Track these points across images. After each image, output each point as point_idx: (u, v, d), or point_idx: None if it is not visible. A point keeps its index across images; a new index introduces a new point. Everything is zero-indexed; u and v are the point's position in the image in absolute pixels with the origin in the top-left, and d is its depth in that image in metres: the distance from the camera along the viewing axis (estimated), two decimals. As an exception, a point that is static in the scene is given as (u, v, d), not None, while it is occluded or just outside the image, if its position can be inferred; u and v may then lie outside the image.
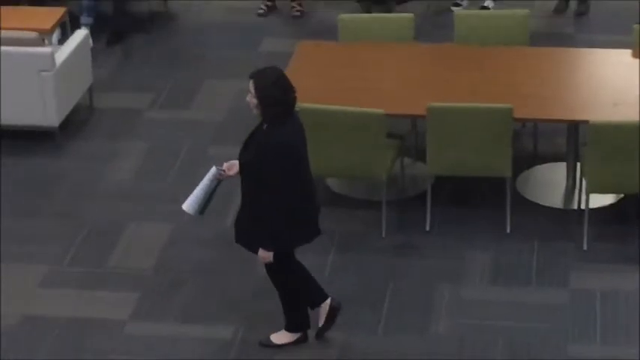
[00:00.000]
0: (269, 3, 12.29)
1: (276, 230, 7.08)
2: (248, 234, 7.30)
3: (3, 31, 10.13)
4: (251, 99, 7.00)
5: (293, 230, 7.20)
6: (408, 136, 9.32)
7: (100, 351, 7.79)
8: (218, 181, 7.37)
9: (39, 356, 7.72)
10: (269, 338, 7.72)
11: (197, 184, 7.80)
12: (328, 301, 7.66)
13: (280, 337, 7.68)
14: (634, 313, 7.96)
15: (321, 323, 7.69)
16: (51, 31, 10.54)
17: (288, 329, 7.76)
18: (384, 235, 8.84)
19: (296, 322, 7.68)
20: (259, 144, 7.06)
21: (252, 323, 7.99)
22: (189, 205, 7.38)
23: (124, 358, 7.72)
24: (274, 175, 6.95)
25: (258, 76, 7.08)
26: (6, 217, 9.20)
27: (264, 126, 7.13)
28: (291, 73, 8.95)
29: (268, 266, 7.39)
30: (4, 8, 11.21)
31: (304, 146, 7.31)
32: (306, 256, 8.28)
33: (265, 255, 7.14)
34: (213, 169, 7.34)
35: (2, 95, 9.88)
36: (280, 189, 7.00)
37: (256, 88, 7.00)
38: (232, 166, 7.29)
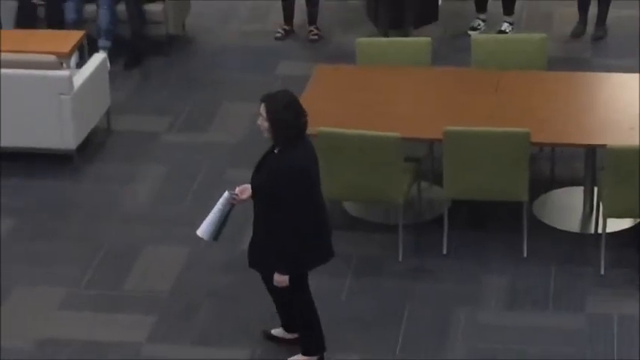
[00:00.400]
0: (286, 27, 12.34)
1: (290, 254, 7.09)
2: (262, 258, 7.32)
3: (21, 54, 10.19)
4: (262, 122, 7.03)
5: (307, 253, 7.20)
6: (424, 159, 9.34)
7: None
8: (231, 206, 7.38)
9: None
10: None
11: (213, 208, 7.86)
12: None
13: None
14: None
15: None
16: (69, 55, 10.57)
17: (305, 353, 7.75)
18: (400, 259, 8.83)
19: (312, 345, 7.66)
20: (271, 168, 7.10)
21: (267, 346, 8.00)
22: (203, 230, 7.40)
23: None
24: (287, 198, 6.97)
25: (269, 100, 7.10)
26: (24, 239, 9.25)
27: (276, 149, 7.15)
28: (309, 96, 9.06)
29: (283, 289, 7.39)
30: (22, 31, 11.30)
31: (316, 169, 7.32)
32: (323, 279, 8.38)
33: (281, 279, 7.13)
34: (226, 194, 7.36)
35: (21, 118, 9.94)
36: (293, 212, 7.01)
37: (268, 112, 7.02)
38: (245, 190, 7.31)
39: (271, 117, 7.06)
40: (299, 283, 7.39)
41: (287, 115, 7.07)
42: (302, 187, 7.02)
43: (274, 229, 7.11)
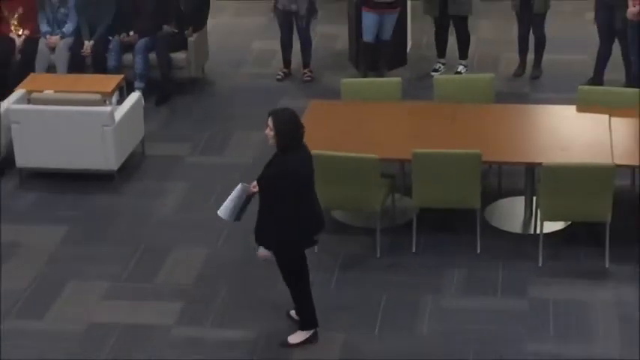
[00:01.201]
0: (285, 70, 12.33)
1: (278, 235, 7.24)
2: (262, 236, 7.42)
3: (74, 94, 10.22)
4: (269, 132, 7.20)
5: (289, 238, 7.30)
6: (397, 175, 9.32)
7: (150, 351, 7.84)
8: (248, 197, 7.55)
9: (102, 356, 7.75)
10: (287, 339, 7.77)
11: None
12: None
13: (296, 337, 7.73)
14: (581, 317, 8.03)
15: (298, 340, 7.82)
16: (111, 94, 10.57)
17: (302, 328, 7.81)
18: (378, 256, 8.85)
19: (308, 320, 7.75)
20: (272, 167, 7.34)
21: (274, 328, 8.03)
22: (222, 211, 7.62)
23: (171, 357, 7.77)
24: (277, 192, 7.16)
25: (275, 114, 7.31)
26: (76, 242, 9.28)
27: (278, 154, 7.35)
28: (309, 124, 9.04)
29: (286, 270, 7.55)
30: (74, 75, 11.32)
31: (310, 171, 7.45)
32: (318, 272, 8.43)
33: (263, 254, 7.35)
34: (240, 185, 7.59)
35: (74, 145, 9.94)
36: (280, 203, 7.16)
37: (274, 123, 7.18)
38: (256, 185, 7.55)
39: (277, 128, 7.20)
40: (295, 267, 7.54)
41: (289, 126, 7.23)
42: (291, 185, 7.13)
43: (269, 214, 7.24)
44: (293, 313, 7.98)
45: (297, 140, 7.31)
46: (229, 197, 7.64)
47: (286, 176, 7.19)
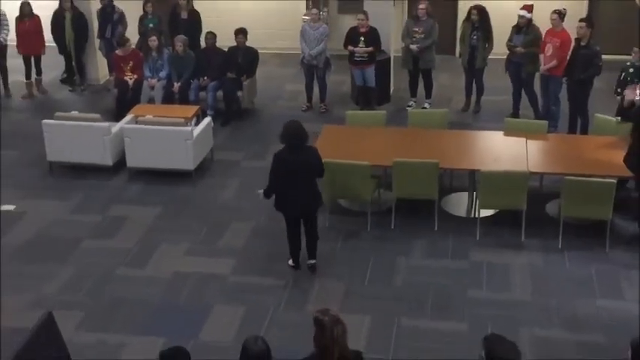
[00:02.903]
0: (308, 104, 12.27)
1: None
2: None
3: (166, 118, 10.25)
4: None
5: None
6: (382, 176, 9.29)
7: (215, 293, 7.87)
8: None
9: (182, 297, 7.80)
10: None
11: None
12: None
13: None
14: (505, 274, 8.05)
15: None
16: (191, 118, 10.61)
17: (313, 258, 8.14)
18: (368, 230, 8.82)
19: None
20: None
21: (295, 278, 8.07)
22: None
23: (229, 297, 7.79)
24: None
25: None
26: (165, 219, 9.30)
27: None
28: (320, 142, 9.13)
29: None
30: (166, 105, 11.36)
31: (293, 164, 7.64)
32: (327, 242, 8.48)
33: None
34: None
35: (165, 152, 9.95)
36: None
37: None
38: None
39: (282, 133, 7.79)
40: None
41: (289, 131, 7.77)
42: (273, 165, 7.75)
43: None
44: (308, 262, 8.15)
45: (293, 141, 7.71)
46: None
47: (274, 159, 7.76)
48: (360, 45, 11.50)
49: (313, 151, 7.92)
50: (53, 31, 12.75)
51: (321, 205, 8.24)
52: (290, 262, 8.19)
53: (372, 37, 11.56)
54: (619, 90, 9.72)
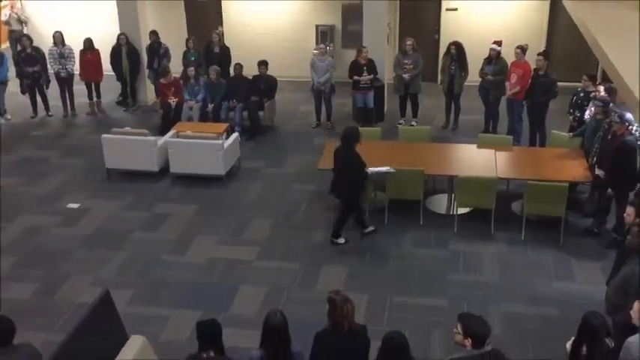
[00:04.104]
0: (317, 122, 12.19)
1: None
2: None
3: (201, 132, 10.23)
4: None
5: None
6: (377, 181, 9.28)
7: (241, 275, 7.86)
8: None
9: (214, 278, 7.80)
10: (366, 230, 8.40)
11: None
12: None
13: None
14: (478, 261, 8.02)
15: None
16: (222, 133, 10.53)
17: (364, 227, 8.38)
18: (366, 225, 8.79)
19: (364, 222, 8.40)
20: None
21: (308, 262, 8.04)
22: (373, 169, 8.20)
23: (253, 278, 7.78)
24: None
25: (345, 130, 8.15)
26: (202, 215, 9.27)
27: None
28: (329, 153, 9.06)
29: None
30: (202, 123, 11.31)
31: (339, 160, 7.95)
32: (345, 233, 8.40)
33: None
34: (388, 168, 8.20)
35: (201, 161, 9.94)
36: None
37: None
38: None
39: (344, 133, 8.03)
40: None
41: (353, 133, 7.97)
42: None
43: None
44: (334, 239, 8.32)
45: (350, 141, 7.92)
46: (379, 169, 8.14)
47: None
48: (364, 74, 11.53)
49: (355, 154, 8.06)
50: (112, 62, 12.77)
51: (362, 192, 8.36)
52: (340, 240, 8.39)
53: (372, 67, 11.61)
54: (571, 110, 9.71)
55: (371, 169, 8.11)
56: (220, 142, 10.05)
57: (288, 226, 8.86)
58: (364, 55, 11.51)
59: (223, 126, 10.96)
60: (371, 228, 8.44)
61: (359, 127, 11.33)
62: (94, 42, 12.62)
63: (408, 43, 11.65)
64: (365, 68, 11.55)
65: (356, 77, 11.62)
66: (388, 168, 8.22)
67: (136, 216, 9.23)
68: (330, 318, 4.81)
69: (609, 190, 8.10)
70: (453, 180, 8.86)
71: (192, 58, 12.48)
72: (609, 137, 8.14)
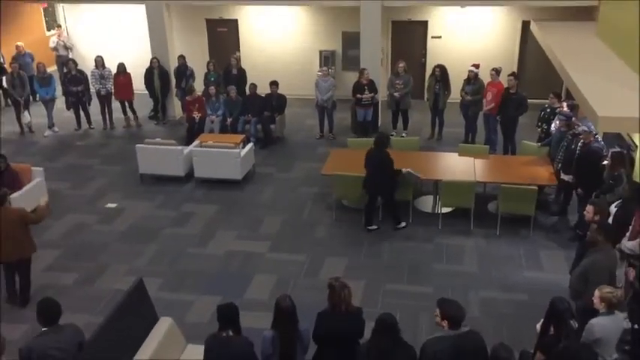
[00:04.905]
0: (321, 134, 12.13)
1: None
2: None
3: (221, 142, 10.19)
4: None
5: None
6: None
7: (255, 265, 7.84)
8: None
9: (232, 268, 7.78)
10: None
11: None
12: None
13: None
14: (459, 253, 7.98)
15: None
16: (239, 143, 10.47)
17: (398, 222, 8.41)
18: (363, 222, 8.67)
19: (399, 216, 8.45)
20: None
21: (314, 255, 8.01)
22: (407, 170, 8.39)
23: (265, 268, 7.75)
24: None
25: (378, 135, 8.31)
26: (221, 214, 9.24)
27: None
28: (330, 161, 9.05)
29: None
30: (222, 135, 11.23)
31: (372, 160, 8.01)
32: (333, 229, 8.36)
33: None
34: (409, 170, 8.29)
35: (221, 166, 9.88)
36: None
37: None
38: None
39: (377, 140, 8.08)
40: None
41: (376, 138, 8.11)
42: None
43: None
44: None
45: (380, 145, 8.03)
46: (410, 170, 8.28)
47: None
48: (366, 93, 11.53)
49: (387, 154, 8.14)
50: (145, 82, 12.80)
51: (394, 189, 8.33)
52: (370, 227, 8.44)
53: (373, 86, 11.60)
54: (539, 124, 9.70)
55: (404, 169, 8.26)
56: (238, 150, 10.04)
57: (296, 223, 8.84)
58: (365, 76, 11.51)
59: (240, 137, 10.93)
60: (403, 224, 8.45)
61: (357, 137, 11.43)
62: (126, 66, 12.66)
63: (400, 65, 11.63)
64: (366, 87, 11.56)
65: (359, 95, 11.60)
66: (409, 170, 8.39)
67: (165, 214, 9.21)
68: (329, 300, 4.83)
69: (579, 190, 8.03)
70: (438, 183, 8.82)
71: (212, 79, 12.48)
72: (572, 146, 8.15)
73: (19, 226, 6.73)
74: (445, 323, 4.36)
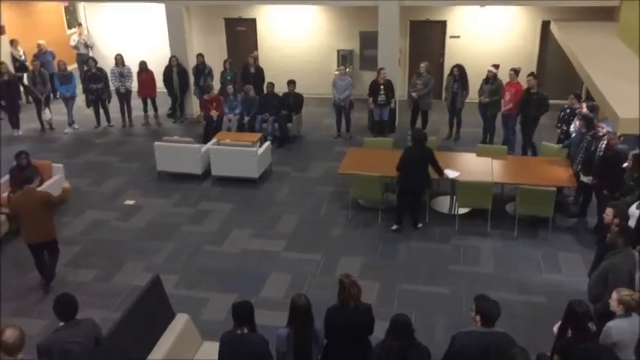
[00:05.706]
0: (338, 133, 12.16)
1: None
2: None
3: (239, 141, 10.24)
4: None
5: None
6: (389, 183, 9.23)
7: (271, 264, 7.86)
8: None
9: (248, 266, 7.80)
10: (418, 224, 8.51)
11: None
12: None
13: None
14: (476, 254, 7.94)
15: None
16: (256, 142, 10.54)
17: (417, 224, 8.42)
18: (379, 221, 8.74)
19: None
20: None
21: (328, 253, 8.01)
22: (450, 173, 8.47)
23: (281, 266, 7.77)
24: None
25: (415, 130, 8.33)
26: (237, 212, 9.27)
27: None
28: (347, 159, 9.05)
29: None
30: (239, 133, 11.29)
31: (408, 157, 8.01)
32: (349, 229, 8.32)
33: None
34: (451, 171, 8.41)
35: (240, 165, 9.93)
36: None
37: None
38: None
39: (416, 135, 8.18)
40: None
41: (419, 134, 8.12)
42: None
43: None
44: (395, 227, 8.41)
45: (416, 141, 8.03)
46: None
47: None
48: (381, 92, 11.49)
49: (428, 148, 8.18)
50: (165, 80, 12.91)
51: (429, 187, 8.43)
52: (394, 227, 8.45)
53: (389, 86, 11.57)
54: (559, 124, 9.60)
55: (446, 171, 8.33)
56: (255, 149, 10.06)
57: (312, 222, 8.85)
58: (382, 75, 11.48)
59: (257, 135, 10.98)
60: (420, 225, 8.46)
61: (374, 137, 11.39)
62: (147, 63, 12.77)
63: (422, 65, 11.59)
64: (382, 87, 11.53)
65: (372, 98, 11.60)
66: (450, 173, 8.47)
67: (182, 212, 9.26)
68: (339, 296, 4.87)
69: (605, 192, 7.88)
70: (455, 184, 8.82)
71: (229, 78, 12.53)
72: (592, 147, 8.05)
73: (41, 208, 6.93)
74: (478, 318, 4.37)
